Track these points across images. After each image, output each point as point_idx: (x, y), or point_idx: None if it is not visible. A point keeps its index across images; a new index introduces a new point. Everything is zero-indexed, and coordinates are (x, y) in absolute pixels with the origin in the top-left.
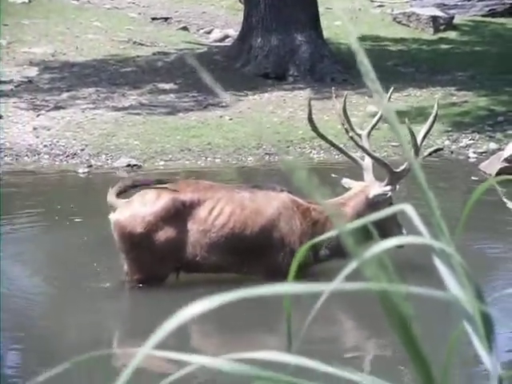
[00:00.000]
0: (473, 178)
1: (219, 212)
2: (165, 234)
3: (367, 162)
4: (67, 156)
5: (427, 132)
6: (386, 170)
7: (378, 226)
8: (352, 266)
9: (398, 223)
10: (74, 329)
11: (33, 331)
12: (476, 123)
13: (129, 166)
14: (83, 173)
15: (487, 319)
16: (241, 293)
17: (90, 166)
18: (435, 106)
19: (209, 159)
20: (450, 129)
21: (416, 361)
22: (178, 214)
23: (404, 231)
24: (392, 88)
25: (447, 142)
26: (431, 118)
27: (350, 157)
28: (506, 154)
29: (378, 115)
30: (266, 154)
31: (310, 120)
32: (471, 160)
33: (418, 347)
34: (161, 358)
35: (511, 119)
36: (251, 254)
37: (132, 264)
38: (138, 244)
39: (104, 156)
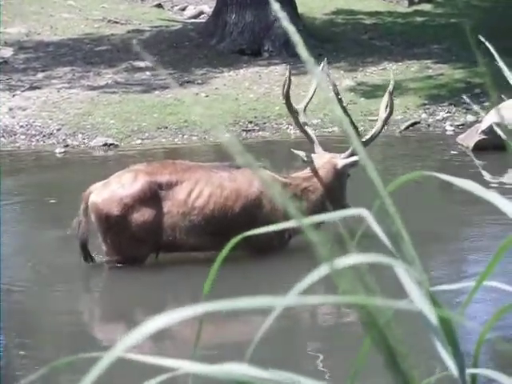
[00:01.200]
0: (452, 151)
1: (198, 194)
2: (142, 216)
3: (313, 136)
4: (43, 136)
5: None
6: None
7: (329, 194)
8: (309, 279)
9: (344, 195)
10: (51, 309)
11: (9, 314)
12: (453, 96)
13: (105, 145)
14: (60, 153)
15: (449, 328)
16: (205, 307)
17: (67, 145)
18: (391, 81)
19: (185, 137)
20: (426, 102)
21: (392, 368)
22: (156, 197)
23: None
24: (325, 59)
25: (424, 116)
26: (387, 94)
27: (304, 132)
28: (483, 126)
29: (313, 87)
30: (243, 130)
31: (287, 97)
32: (448, 133)
33: (393, 353)
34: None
35: (488, 91)
36: (235, 233)
37: (109, 245)
38: (115, 226)
39: (80, 135)
